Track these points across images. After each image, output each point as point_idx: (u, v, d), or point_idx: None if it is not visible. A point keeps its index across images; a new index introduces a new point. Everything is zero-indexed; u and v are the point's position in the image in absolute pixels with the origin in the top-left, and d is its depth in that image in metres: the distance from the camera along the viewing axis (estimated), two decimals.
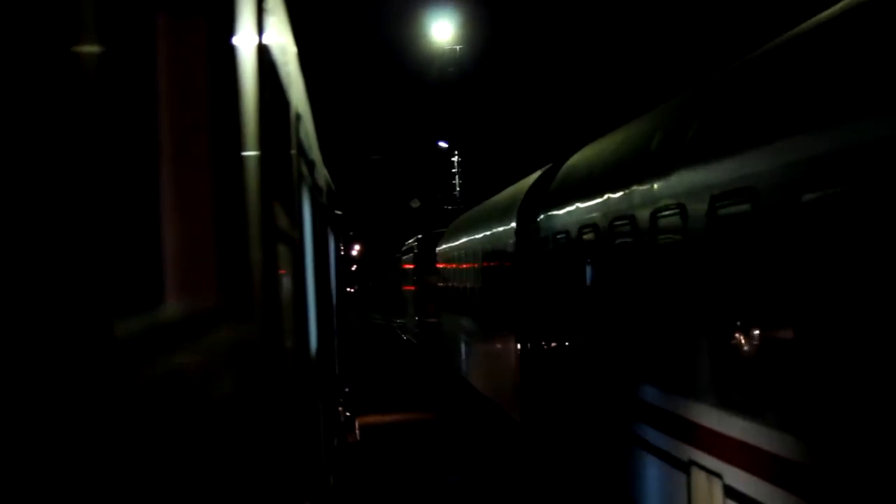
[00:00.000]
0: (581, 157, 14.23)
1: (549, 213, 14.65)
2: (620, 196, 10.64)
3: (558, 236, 13.73)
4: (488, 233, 21.10)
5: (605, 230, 11.08)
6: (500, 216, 19.83)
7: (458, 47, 52.75)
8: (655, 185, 9.40)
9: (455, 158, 61.26)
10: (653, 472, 9.45)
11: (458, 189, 60.52)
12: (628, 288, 10.22)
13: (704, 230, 7.96)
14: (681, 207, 8.55)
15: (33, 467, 1.05)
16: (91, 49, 1.38)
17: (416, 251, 39.59)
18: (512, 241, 17.59)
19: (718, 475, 7.50)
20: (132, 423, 1.45)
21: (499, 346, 19.62)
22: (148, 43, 1.89)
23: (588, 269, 12.13)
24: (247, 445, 2.68)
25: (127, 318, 1.53)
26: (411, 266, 41.79)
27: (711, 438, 7.70)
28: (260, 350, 3.08)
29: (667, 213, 8.95)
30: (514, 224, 17.51)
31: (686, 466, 8.24)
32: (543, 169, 17.57)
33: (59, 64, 1.23)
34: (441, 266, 32.31)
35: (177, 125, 2.11)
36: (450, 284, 29.23)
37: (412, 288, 41.67)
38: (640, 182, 9.96)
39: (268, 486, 3.09)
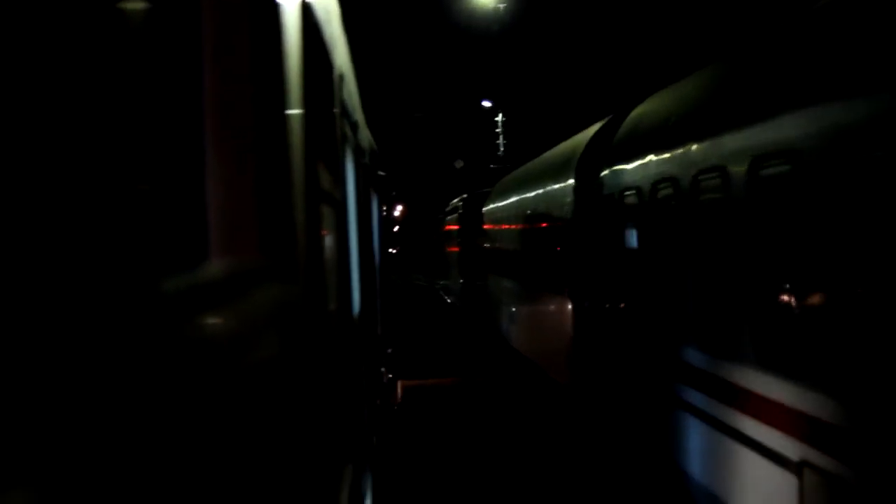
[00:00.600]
0: (652, 106, 12.75)
1: (615, 168, 13.30)
2: (709, 146, 9.17)
3: (626, 193, 12.43)
4: (541, 191, 19.88)
5: (687, 185, 9.71)
6: (554, 173, 18.64)
7: (501, 5, 52.40)
8: (758, 131, 7.82)
9: (499, 118, 60.92)
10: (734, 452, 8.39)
11: (502, 149, 60.24)
12: (716, 250, 8.88)
13: (834, 182, 6.41)
14: (792, 156, 7.05)
15: (85, 423, 1.08)
16: (135, 8, 1.39)
17: (460, 211, 38.40)
18: (569, 199, 16.40)
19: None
20: (178, 381, 1.48)
21: (550, 309, 18.67)
22: (192, 5, 1.90)
23: (665, 229, 10.68)
24: (291, 406, 2.71)
25: (172, 276, 1.56)
26: (456, 227, 40.73)
27: None
28: (303, 311, 3.11)
29: (773, 164, 7.45)
30: (571, 181, 16.33)
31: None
32: (603, 122, 16.24)
33: (103, 23, 1.24)
34: (488, 227, 31.00)
35: (221, 86, 2.12)
36: (497, 245, 28.01)
37: (456, 249, 40.66)
38: (736, 128, 8.36)
39: (312, 446, 3.13)
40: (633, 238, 12.27)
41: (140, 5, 1.43)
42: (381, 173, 15.81)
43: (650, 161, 11.37)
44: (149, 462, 1.29)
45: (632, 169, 12.26)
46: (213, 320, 1.82)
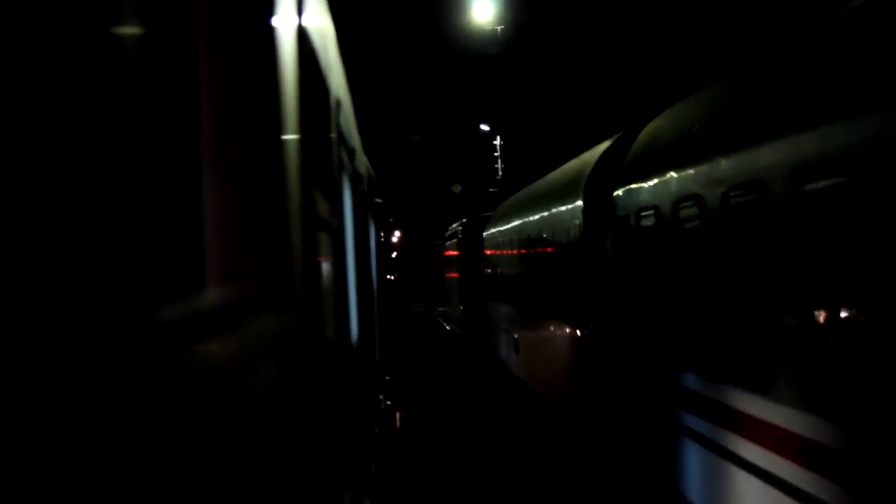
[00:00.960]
0: (671, 119, 11.62)
1: (631, 187, 12.14)
2: (742, 160, 8.14)
3: (643, 213, 11.36)
4: (546, 214, 18.89)
5: (717, 203, 8.68)
6: (559, 195, 17.62)
7: (499, 28, 52.63)
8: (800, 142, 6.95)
9: (497, 142, 61.08)
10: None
11: (500, 173, 60.36)
12: (754, 273, 7.80)
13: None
14: (845, 167, 6.17)
15: (73, 451, 1.07)
16: (130, 33, 1.40)
17: (460, 236, 37.83)
18: (577, 221, 15.40)
19: None
20: (174, 410, 1.47)
21: (557, 337, 17.63)
22: (188, 30, 1.91)
23: (690, 250, 9.63)
24: (289, 434, 2.71)
25: (168, 304, 1.55)
26: (455, 252, 39.96)
27: None
28: (301, 338, 3.11)
29: (821, 178, 6.53)
30: (579, 202, 15.38)
31: None
32: (612, 140, 15.38)
33: (98, 49, 1.25)
34: (489, 252, 30.05)
35: (217, 112, 2.12)
36: (499, 271, 27.20)
37: (456, 275, 40.03)
38: (780, 136, 7.36)
39: (310, 475, 3.12)
40: (653, 261, 11.17)
41: (134, 30, 1.44)
42: (378, 200, 15.77)
43: (670, 179, 10.37)
44: (146, 492, 1.28)
45: (649, 187, 11.23)
46: (209, 348, 1.82)
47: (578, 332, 15.64)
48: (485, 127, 60.92)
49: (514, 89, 59.58)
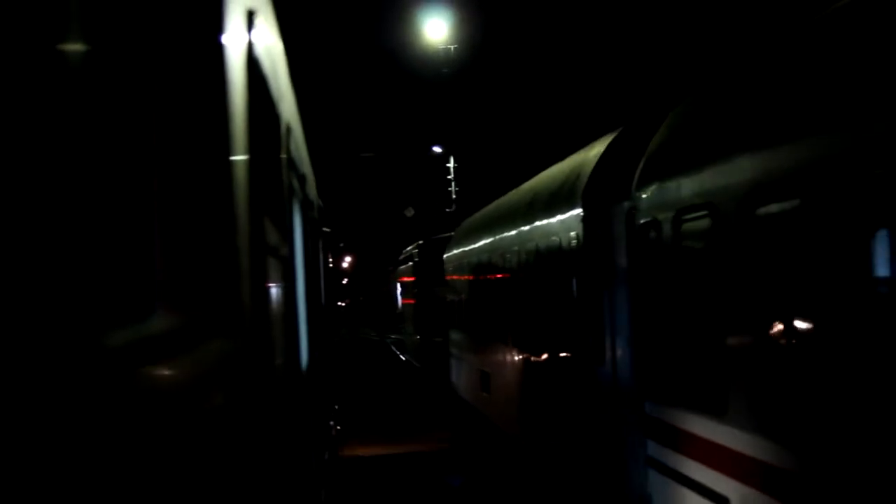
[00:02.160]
0: (718, 94, 8.92)
1: (665, 184, 9.41)
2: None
3: (684, 217, 8.66)
4: (525, 228, 16.23)
5: (776, 205, 6.74)
6: (545, 206, 14.87)
7: (452, 47, 52.83)
8: None
9: (451, 164, 61.16)
10: None
11: (454, 196, 60.42)
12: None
13: None
14: None
15: (22, 474, 1.09)
16: (77, 53, 1.41)
17: (416, 260, 35.53)
18: (574, 233, 12.77)
19: None
20: (121, 435, 1.48)
21: (545, 373, 14.73)
22: (136, 54, 1.91)
23: (750, 268, 7.20)
24: (237, 459, 2.72)
25: (115, 330, 1.56)
26: (410, 278, 37.62)
27: None
28: (249, 365, 3.13)
29: None
30: (576, 211, 12.74)
31: None
32: (613, 136, 12.97)
33: (43, 69, 1.26)
34: (451, 276, 27.07)
35: (166, 140, 2.14)
36: (463, 298, 24.16)
37: (411, 301, 37.42)
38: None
39: (260, 501, 3.16)
40: (694, 279, 8.47)
41: (81, 50, 1.45)
42: (326, 230, 15.36)
43: (731, 166, 7.66)
44: None
45: (693, 181, 8.55)
46: (154, 374, 1.82)
47: (579, 370, 12.70)
48: (437, 149, 60.97)
49: (467, 110, 59.80)
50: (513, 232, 17.51)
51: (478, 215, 25.57)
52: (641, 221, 10.01)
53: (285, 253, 5.07)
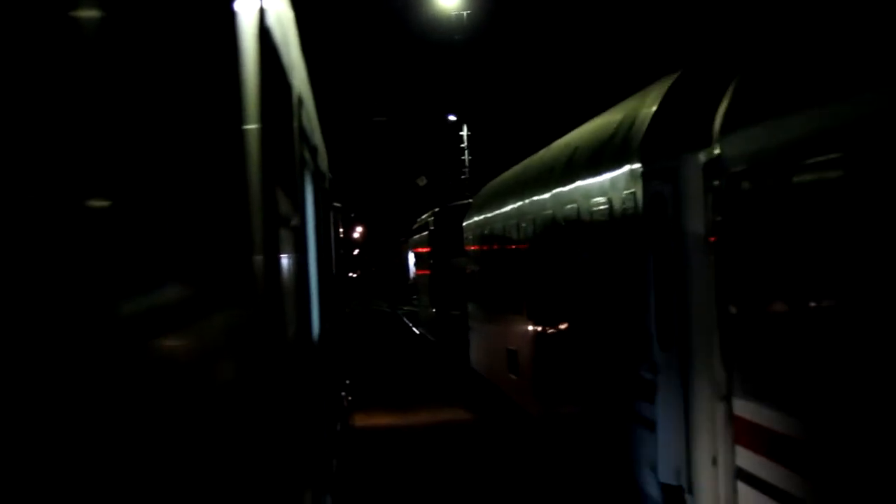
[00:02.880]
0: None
1: (761, 127, 7.72)
2: None
3: (802, 164, 6.82)
4: (562, 190, 14.11)
5: None
6: (590, 162, 12.89)
7: (465, 13, 52.58)
8: None
9: (464, 133, 60.89)
10: None
11: (467, 165, 60.19)
12: None
13: None
14: None
15: (36, 446, 1.13)
16: (92, 26, 1.44)
17: (431, 228, 33.46)
18: (628, 192, 10.69)
19: None
20: (134, 406, 1.51)
21: (597, 361, 12.38)
22: (148, 25, 1.93)
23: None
24: (249, 430, 2.77)
25: (128, 300, 1.59)
26: (425, 248, 35.62)
27: None
28: (262, 335, 3.18)
29: None
30: (633, 166, 10.64)
31: None
32: (672, 78, 10.94)
33: (55, 41, 1.29)
34: (471, 245, 25.13)
35: (178, 109, 2.16)
36: (486, 268, 22.25)
37: (426, 272, 35.44)
38: None
39: (271, 471, 3.19)
40: (828, 239, 6.54)
41: (93, 22, 1.47)
42: (336, 204, 15.02)
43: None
44: (105, 483, 1.33)
45: (822, 114, 6.67)
46: (169, 344, 1.86)
47: (634, 355, 10.72)
48: (452, 117, 60.71)
49: (480, 77, 59.51)
50: (546, 195, 15.39)
51: (502, 178, 23.50)
52: (731, 173, 8.17)
53: (297, 224, 5.13)
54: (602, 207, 11.82)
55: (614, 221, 11.32)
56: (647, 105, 11.24)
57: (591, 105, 18.71)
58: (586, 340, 12.95)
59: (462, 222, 27.61)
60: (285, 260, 4.32)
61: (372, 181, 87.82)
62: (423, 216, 39.29)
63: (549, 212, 14.98)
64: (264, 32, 3.63)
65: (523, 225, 17.31)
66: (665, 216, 9.79)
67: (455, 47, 54.64)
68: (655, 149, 10.32)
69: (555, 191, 14.77)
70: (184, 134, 2.21)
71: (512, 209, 18.78)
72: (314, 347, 6.52)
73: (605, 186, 11.79)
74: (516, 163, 22.39)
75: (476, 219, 24.39)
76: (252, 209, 3.08)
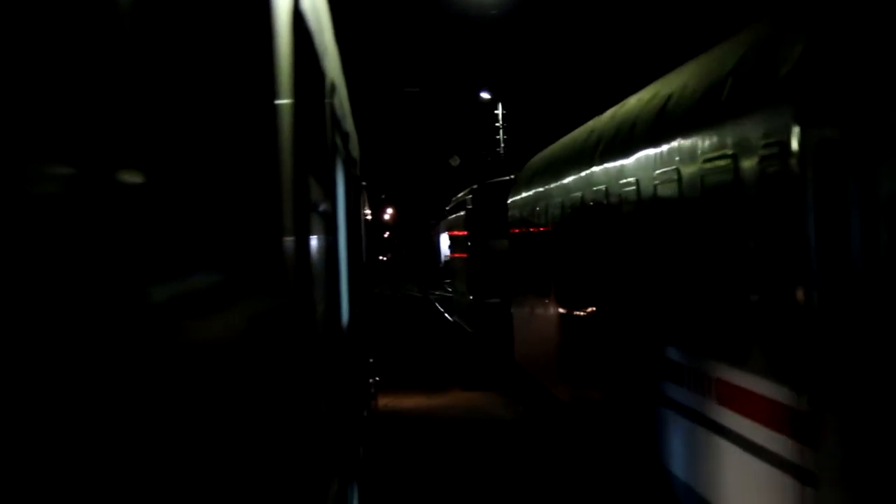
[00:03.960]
0: None
1: None
2: None
3: None
4: (654, 151, 11.14)
5: None
6: (698, 112, 9.80)
7: None
8: None
9: (499, 111, 60.53)
10: None
11: (502, 144, 59.87)
12: None
13: None
14: None
15: (68, 422, 1.18)
16: (124, 21, 1.48)
17: (469, 207, 30.95)
18: (775, 148, 7.60)
19: None
20: (166, 390, 1.58)
21: (732, 377, 8.70)
22: (181, 14, 1.97)
23: None
24: (278, 416, 2.85)
25: (163, 284, 1.64)
26: (461, 230, 33.40)
27: None
28: (292, 321, 3.26)
29: None
30: (782, 108, 7.61)
31: None
32: None
33: (98, 29, 1.34)
34: (519, 226, 22.39)
35: (213, 96, 2.22)
36: (540, 252, 19.18)
37: (462, 255, 32.99)
38: None
39: (298, 459, 3.28)
40: None
41: (131, 10, 1.51)
42: (364, 184, 14.63)
43: None
44: (136, 466, 1.40)
45: None
46: (202, 330, 1.93)
47: (793, 374, 7.33)
48: (485, 94, 60.37)
49: (516, 54, 59.18)
50: (624, 159, 12.48)
51: (555, 147, 20.59)
52: None
53: (328, 210, 5.23)
54: (724, 170, 8.74)
55: (746, 187, 8.20)
56: (794, 29, 8.13)
57: (628, 84, 17.39)
58: (712, 347, 9.28)
59: (504, 200, 25.63)
60: (316, 246, 4.40)
61: (403, 161, 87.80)
62: (460, 194, 36.87)
63: (631, 179, 12.02)
64: (298, 18, 3.70)
65: (593, 198, 14.28)
66: (849, 177, 6.63)
67: (491, 23, 54.38)
68: (821, 83, 7.12)
69: (638, 154, 11.82)
70: (217, 120, 2.26)
71: (575, 180, 15.78)
72: (343, 334, 6.63)
73: (728, 141, 8.75)
74: (554, 141, 21.10)
75: (525, 194, 21.58)
76: (284, 195, 3.15)
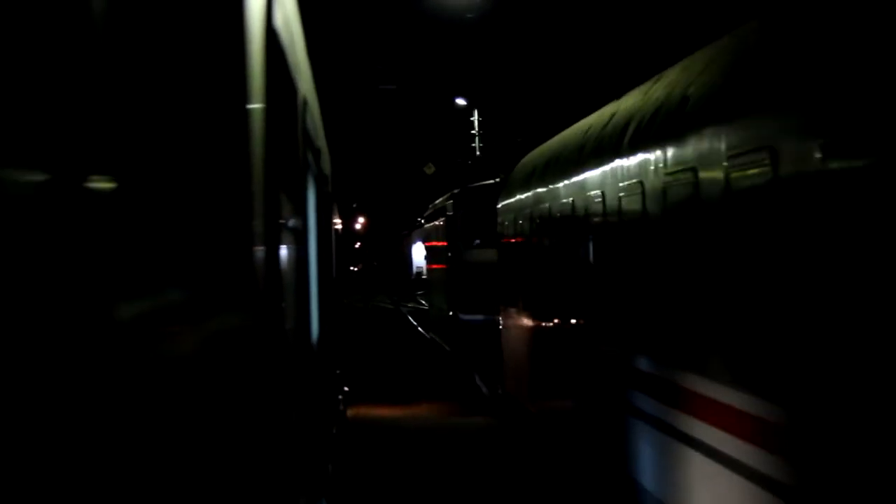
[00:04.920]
0: None
1: None
2: None
3: None
4: (675, 148, 9.66)
5: None
6: (745, 92, 8.02)
7: None
8: None
9: (475, 118, 60.35)
10: None
11: (478, 152, 59.66)
12: None
13: None
14: None
15: (35, 447, 1.21)
16: (97, 30, 1.51)
17: (450, 214, 28.64)
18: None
19: None
20: (134, 408, 1.61)
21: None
22: (154, 22, 2.00)
23: None
24: (244, 433, 2.90)
25: (129, 302, 1.66)
26: (440, 237, 31.14)
27: None
28: (262, 338, 3.32)
29: None
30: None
31: None
32: None
33: (67, 40, 1.37)
34: (513, 234, 19.45)
35: (183, 110, 2.25)
36: (540, 263, 16.45)
37: (441, 266, 30.75)
38: None
39: (264, 476, 3.33)
40: None
41: (105, 16, 1.54)
42: (334, 201, 14.69)
43: None
44: (96, 482, 1.42)
45: None
46: (167, 344, 1.96)
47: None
48: (461, 101, 60.20)
49: (491, 60, 59.09)
50: (655, 152, 10.39)
51: (552, 143, 18.20)
52: None
53: (299, 227, 5.28)
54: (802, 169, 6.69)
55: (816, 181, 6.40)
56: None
57: (604, 93, 16.45)
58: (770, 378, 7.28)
59: (490, 205, 22.75)
60: (286, 263, 4.45)
61: (375, 169, 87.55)
62: (438, 200, 34.19)
63: (669, 171, 9.82)
64: (271, 34, 3.75)
65: (607, 200, 12.13)
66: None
67: (466, 27, 54.34)
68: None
69: (666, 144, 10.02)
70: (187, 135, 2.28)
71: (585, 179, 13.48)
72: (313, 350, 6.70)
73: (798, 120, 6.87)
74: (539, 142, 19.78)
75: (519, 197, 18.83)
76: (254, 212, 3.20)
